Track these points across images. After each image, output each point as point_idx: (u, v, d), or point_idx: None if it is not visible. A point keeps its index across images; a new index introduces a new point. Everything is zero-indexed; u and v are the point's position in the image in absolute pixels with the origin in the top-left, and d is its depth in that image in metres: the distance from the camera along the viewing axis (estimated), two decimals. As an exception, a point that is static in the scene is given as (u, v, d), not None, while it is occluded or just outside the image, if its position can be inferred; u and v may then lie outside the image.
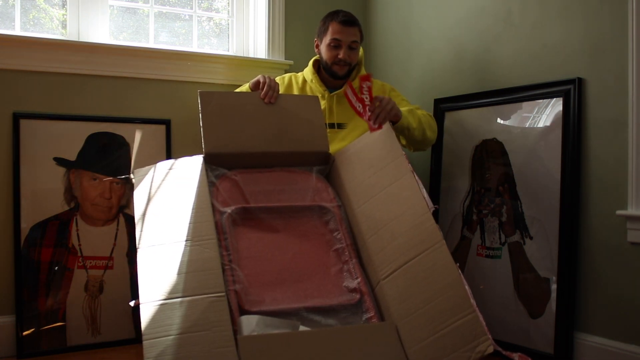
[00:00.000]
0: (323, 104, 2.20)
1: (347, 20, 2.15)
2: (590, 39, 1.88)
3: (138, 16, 2.49)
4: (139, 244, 1.59)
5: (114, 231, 2.25)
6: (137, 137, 2.31)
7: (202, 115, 1.89)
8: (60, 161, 2.18)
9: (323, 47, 2.21)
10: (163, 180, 1.78)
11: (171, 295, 1.45)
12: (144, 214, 1.67)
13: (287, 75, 2.33)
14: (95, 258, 2.20)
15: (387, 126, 1.84)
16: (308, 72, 2.28)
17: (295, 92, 2.26)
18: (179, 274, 1.50)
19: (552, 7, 2.00)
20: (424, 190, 1.66)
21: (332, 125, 2.19)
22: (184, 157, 1.86)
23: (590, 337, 1.86)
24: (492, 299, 2.11)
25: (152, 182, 1.77)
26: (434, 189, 2.39)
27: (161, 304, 1.43)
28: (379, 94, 2.18)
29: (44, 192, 2.14)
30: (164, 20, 2.54)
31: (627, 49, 1.76)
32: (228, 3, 2.69)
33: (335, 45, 2.16)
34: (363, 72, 2.25)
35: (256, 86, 2.03)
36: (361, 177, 1.81)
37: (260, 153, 1.89)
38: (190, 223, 1.63)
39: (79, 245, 2.18)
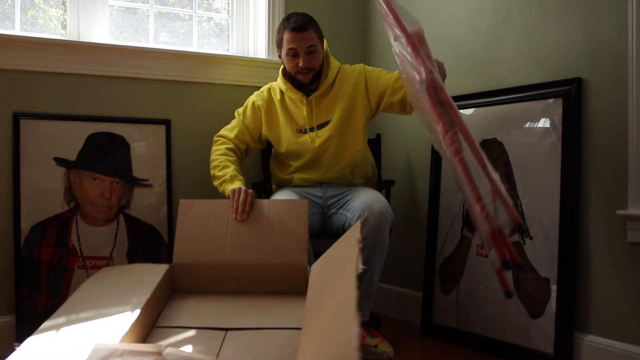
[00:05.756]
0: (303, 109, 2.19)
1: (298, 27, 2.08)
2: (590, 39, 1.88)
3: (138, 16, 2.49)
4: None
5: (114, 231, 2.25)
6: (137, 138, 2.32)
7: (177, 225, 1.96)
8: (60, 161, 2.18)
9: (284, 58, 2.16)
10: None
11: None
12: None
13: (265, 89, 2.30)
14: (95, 258, 2.20)
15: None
16: (281, 83, 2.24)
17: (277, 106, 2.24)
18: None
19: (552, 7, 2.00)
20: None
21: (313, 128, 2.19)
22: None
23: (590, 337, 1.86)
24: (492, 299, 2.11)
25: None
26: (434, 188, 2.39)
27: None
28: (352, 81, 2.20)
29: (44, 192, 2.14)
30: (164, 20, 2.54)
31: (627, 49, 1.76)
32: (228, 3, 2.69)
33: (292, 54, 2.11)
34: (336, 63, 2.23)
35: (231, 194, 2.01)
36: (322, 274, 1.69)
37: (229, 264, 1.90)
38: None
39: (79, 245, 2.18)
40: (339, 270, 1.48)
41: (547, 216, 1.96)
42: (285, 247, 1.91)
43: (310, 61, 2.12)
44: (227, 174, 2.10)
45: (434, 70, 1.59)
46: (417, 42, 1.63)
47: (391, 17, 1.65)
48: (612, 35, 1.81)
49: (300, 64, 2.11)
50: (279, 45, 2.17)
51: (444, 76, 1.95)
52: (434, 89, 1.56)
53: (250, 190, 2.00)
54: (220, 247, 1.93)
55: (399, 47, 1.65)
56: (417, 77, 1.59)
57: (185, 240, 1.94)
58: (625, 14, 1.77)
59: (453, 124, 1.55)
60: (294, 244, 1.91)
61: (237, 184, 2.04)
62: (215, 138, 2.27)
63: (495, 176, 1.51)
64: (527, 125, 2.05)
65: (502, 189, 1.50)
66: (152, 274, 1.82)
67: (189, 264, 1.91)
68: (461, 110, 2.29)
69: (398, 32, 1.64)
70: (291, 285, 1.83)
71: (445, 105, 1.56)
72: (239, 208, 1.95)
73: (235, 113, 2.30)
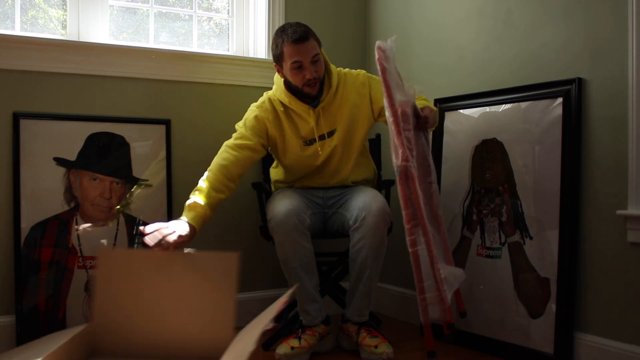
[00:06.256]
0: (310, 120, 2.14)
1: (299, 38, 1.99)
2: (590, 39, 1.88)
3: (138, 16, 2.50)
4: None
5: (114, 231, 2.25)
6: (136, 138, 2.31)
7: (97, 278, 1.75)
8: (60, 161, 2.18)
9: (287, 72, 2.06)
10: None
11: None
12: None
13: (265, 100, 2.18)
14: (95, 258, 2.20)
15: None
16: (283, 96, 2.14)
17: (283, 119, 2.15)
18: None
19: (552, 8, 2.00)
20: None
21: (322, 137, 2.17)
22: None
23: (590, 337, 1.86)
24: (492, 299, 2.11)
25: None
26: (434, 189, 2.39)
27: None
28: (355, 91, 2.18)
29: (44, 192, 2.14)
30: (164, 20, 2.54)
31: (627, 49, 1.76)
32: (228, 3, 2.69)
33: (297, 67, 2.02)
34: (334, 68, 2.17)
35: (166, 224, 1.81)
36: None
37: (150, 328, 1.72)
38: None
39: (79, 245, 2.18)
40: (251, 326, 1.47)
41: (547, 216, 1.96)
42: (210, 313, 1.70)
43: (317, 71, 2.05)
44: (192, 199, 1.92)
45: (411, 157, 1.67)
46: (401, 120, 1.69)
47: (384, 88, 1.70)
48: (612, 35, 1.82)
49: (308, 76, 2.03)
50: (279, 59, 2.07)
51: (434, 123, 2.00)
52: (406, 177, 1.66)
53: (185, 233, 1.80)
54: (141, 307, 1.74)
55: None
56: (394, 160, 1.69)
57: (105, 298, 1.75)
58: (625, 14, 1.77)
59: (416, 216, 1.68)
60: (219, 310, 1.69)
61: (188, 216, 1.87)
62: (225, 145, 2.10)
63: (441, 275, 1.67)
64: (527, 125, 2.05)
65: (444, 288, 1.66)
66: (63, 336, 1.67)
67: (109, 325, 1.73)
68: (461, 111, 2.30)
69: (386, 104, 1.69)
70: (215, 356, 1.55)
71: (412, 196, 1.67)
72: (158, 241, 1.75)
73: (237, 126, 2.18)
